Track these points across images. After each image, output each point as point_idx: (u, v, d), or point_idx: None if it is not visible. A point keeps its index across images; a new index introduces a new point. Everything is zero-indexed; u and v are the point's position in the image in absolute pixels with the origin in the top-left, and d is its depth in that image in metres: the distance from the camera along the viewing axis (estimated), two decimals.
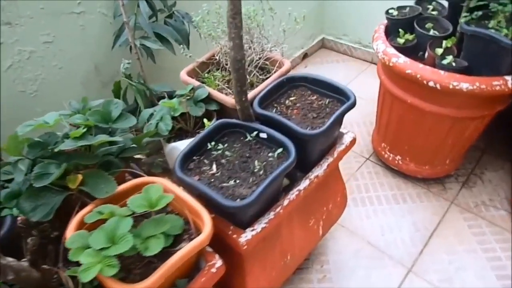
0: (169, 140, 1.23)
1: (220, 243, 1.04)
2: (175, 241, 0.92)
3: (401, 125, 1.73)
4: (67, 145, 0.90)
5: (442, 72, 1.43)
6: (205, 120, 1.21)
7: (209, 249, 0.99)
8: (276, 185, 1.05)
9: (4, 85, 1.32)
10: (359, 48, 2.71)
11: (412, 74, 1.47)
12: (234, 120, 1.13)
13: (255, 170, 1.03)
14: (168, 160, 1.23)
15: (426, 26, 1.62)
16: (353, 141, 1.32)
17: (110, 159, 1.02)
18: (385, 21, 1.76)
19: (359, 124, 2.26)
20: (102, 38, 1.52)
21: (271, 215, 1.07)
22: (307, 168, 1.21)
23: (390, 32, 1.72)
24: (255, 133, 1.09)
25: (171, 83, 1.47)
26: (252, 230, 1.03)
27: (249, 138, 1.10)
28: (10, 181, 0.96)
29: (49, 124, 0.94)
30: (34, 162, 0.93)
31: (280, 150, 1.06)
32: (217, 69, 1.41)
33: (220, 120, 1.13)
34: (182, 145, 1.11)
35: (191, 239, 0.90)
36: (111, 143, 1.01)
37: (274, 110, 1.22)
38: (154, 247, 0.78)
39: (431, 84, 1.44)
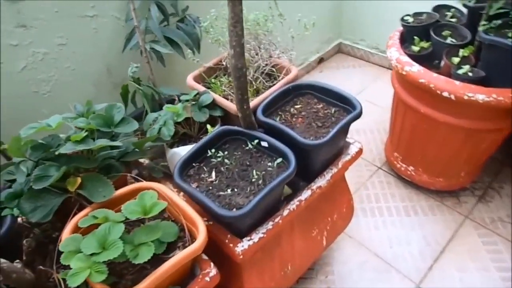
0: (172, 144, 1.24)
1: (218, 251, 1.03)
2: (170, 248, 0.92)
3: (414, 135, 1.68)
4: (67, 149, 0.91)
5: (457, 82, 1.38)
6: (208, 126, 1.21)
7: (205, 257, 0.99)
8: (274, 195, 1.03)
9: (18, 85, 1.36)
10: (376, 54, 2.66)
11: (426, 83, 1.43)
12: (236, 128, 1.13)
13: (254, 180, 1.02)
14: (169, 165, 1.24)
15: (443, 33, 1.56)
16: (360, 152, 1.28)
17: (111, 163, 1.03)
18: (401, 28, 1.72)
19: (372, 131, 2.22)
20: (114, 41, 1.54)
21: (269, 225, 1.06)
22: (311, 177, 1.19)
23: (406, 39, 1.68)
24: (256, 141, 1.08)
25: (181, 86, 1.47)
26: (249, 240, 1.02)
27: (249, 146, 1.09)
28: (14, 181, 0.99)
29: (51, 127, 0.96)
30: (37, 164, 0.95)
31: (279, 160, 1.04)
32: (224, 75, 1.41)
33: (221, 127, 1.12)
34: (183, 151, 1.11)
35: (185, 247, 0.90)
36: (113, 147, 1.02)
37: (278, 118, 1.20)
38: (145, 255, 0.78)
39: (445, 94, 1.39)
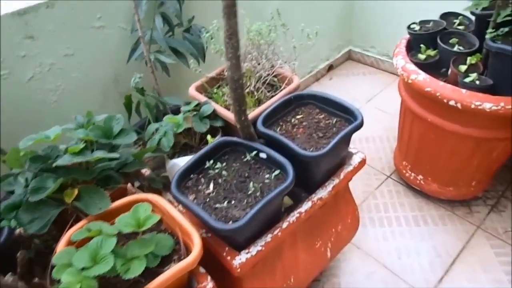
0: (173, 155, 1.24)
1: (217, 263, 1.02)
2: (166, 261, 0.91)
3: (422, 144, 1.65)
4: (64, 161, 0.92)
5: (463, 90, 1.35)
6: (208, 137, 1.20)
7: (202, 270, 0.98)
8: (272, 207, 1.02)
9: (26, 94, 1.38)
10: (386, 61, 2.62)
11: (432, 92, 1.40)
12: (235, 138, 1.12)
13: (251, 192, 1.00)
14: (169, 176, 1.23)
15: (451, 41, 1.53)
16: (363, 162, 1.26)
17: (109, 174, 1.03)
18: (408, 36, 1.69)
19: (382, 139, 2.18)
20: (121, 51, 1.56)
21: (268, 237, 1.04)
22: (312, 188, 1.17)
23: (412, 47, 1.65)
24: (254, 152, 1.07)
25: (186, 96, 1.48)
26: (247, 253, 1.01)
27: (248, 157, 1.08)
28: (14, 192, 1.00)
29: (50, 138, 0.97)
30: (36, 175, 0.96)
31: (278, 171, 1.03)
32: (226, 85, 1.40)
33: (221, 138, 1.12)
34: (182, 162, 1.11)
35: (180, 260, 0.90)
36: (111, 158, 1.03)
37: (279, 129, 1.19)
38: (136, 269, 0.78)
39: (451, 103, 1.36)
